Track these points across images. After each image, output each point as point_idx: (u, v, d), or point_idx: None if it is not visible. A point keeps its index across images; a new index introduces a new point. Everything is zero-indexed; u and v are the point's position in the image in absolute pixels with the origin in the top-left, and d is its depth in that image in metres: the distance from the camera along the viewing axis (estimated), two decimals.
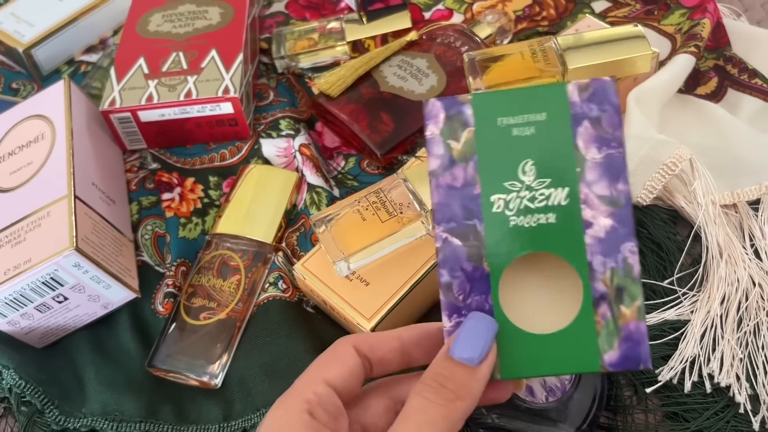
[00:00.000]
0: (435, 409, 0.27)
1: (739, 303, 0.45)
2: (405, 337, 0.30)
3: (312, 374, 0.29)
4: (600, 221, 0.28)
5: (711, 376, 0.43)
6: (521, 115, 0.29)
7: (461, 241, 0.29)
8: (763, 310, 0.45)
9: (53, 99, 0.54)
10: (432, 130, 0.30)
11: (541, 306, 0.29)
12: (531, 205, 0.29)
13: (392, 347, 0.30)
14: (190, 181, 0.57)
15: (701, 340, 0.44)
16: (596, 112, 0.29)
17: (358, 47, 0.64)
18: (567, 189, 0.28)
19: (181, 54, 0.58)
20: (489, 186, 0.29)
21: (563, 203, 0.28)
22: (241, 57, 0.57)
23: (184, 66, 0.57)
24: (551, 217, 0.28)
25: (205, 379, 0.46)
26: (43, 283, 0.45)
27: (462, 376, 0.27)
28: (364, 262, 0.45)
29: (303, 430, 0.27)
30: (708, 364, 0.43)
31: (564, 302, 0.29)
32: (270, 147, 0.58)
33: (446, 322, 0.29)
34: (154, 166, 0.58)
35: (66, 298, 0.47)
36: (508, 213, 0.29)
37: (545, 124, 0.29)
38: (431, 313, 0.48)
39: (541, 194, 0.28)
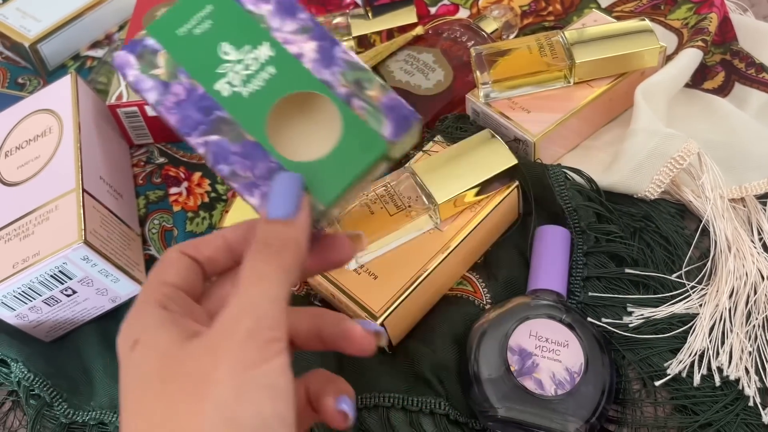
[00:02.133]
0: (265, 265, 0.28)
1: (748, 297, 0.45)
2: (229, 236, 0.31)
3: (151, 282, 0.30)
4: (306, 47, 0.31)
5: (720, 370, 0.43)
6: (192, 17, 0.32)
7: (218, 135, 0.30)
8: None
9: (61, 93, 0.54)
10: (132, 74, 0.32)
11: (312, 137, 0.31)
12: (249, 72, 0.31)
13: (217, 245, 0.31)
14: (197, 175, 0.57)
15: (710, 334, 0.44)
16: None
17: (364, 42, 0.64)
18: (266, 43, 0.31)
19: None
20: (207, 80, 0.31)
21: (271, 54, 0.31)
22: None
23: None
24: (271, 69, 0.31)
25: None
26: (51, 276, 0.45)
27: (283, 230, 0.28)
28: (372, 255, 0.45)
29: (161, 321, 0.27)
30: (717, 358, 0.43)
31: (327, 122, 0.31)
32: None
33: (252, 201, 0.30)
34: (161, 160, 0.58)
35: (74, 292, 0.47)
36: (237, 89, 0.31)
37: (215, 12, 0.32)
38: (439, 306, 0.48)
39: (250, 59, 0.31)
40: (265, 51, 0.31)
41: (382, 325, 0.44)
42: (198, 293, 0.31)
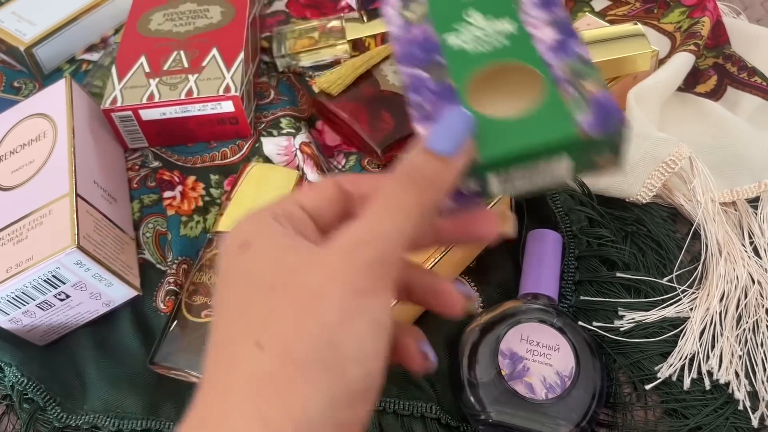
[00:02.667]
0: (407, 195, 0.26)
1: (738, 300, 0.46)
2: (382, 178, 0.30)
3: (285, 197, 0.29)
4: (547, 34, 0.31)
5: (710, 373, 0.43)
6: None
7: (426, 72, 0.31)
8: (762, 307, 0.45)
9: (55, 97, 0.54)
10: (390, 10, 0.34)
11: (509, 104, 0.30)
12: (484, 37, 0.32)
13: (376, 185, 0.29)
14: (191, 179, 0.57)
15: (700, 338, 0.44)
16: None
17: (358, 46, 0.64)
18: (511, 19, 0.32)
19: (182, 53, 0.59)
20: (444, 32, 0.32)
21: (511, 29, 0.31)
22: (242, 56, 0.58)
23: (185, 65, 0.58)
24: (504, 41, 0.31)
25: None
26: (44, 280, 0.45)
27: (436, 166, 0.27)
28: None
29: (276, 231, 0.27)
30: (707, 361, 0.44)
31: (530, 98, 0.30)
32: (271, 145, 0.58)
33: (422, 131, 0.29)
34: (156, 164, 0.58)
35: (68, 296, 0.47)
36: (465, 45, 0.32)
37: None
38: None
39: (490, 28, 0.32)
40: (506, 26, 0.32)
41: None
42: (328, 226, 0.29)
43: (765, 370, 0.43)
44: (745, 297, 0.46)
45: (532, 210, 0.50)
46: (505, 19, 0.32)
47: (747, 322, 0.45)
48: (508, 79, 0.31)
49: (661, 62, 0.56)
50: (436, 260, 0.46)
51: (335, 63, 0.63)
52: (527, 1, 0.33)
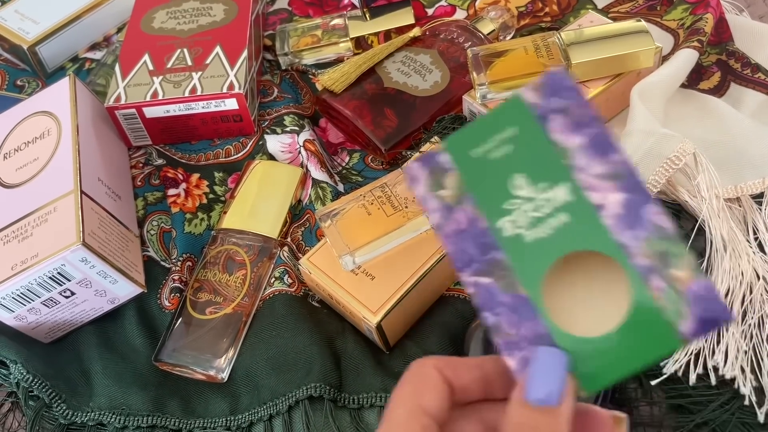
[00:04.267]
0: None
1: (744, 296, 0.46)
2: (488, 367, 0.29)
3: (408, 403, 0.27)
4: (611, 198, 0.27)
5: (716, 369, 0.43)
6: (491, 138, 0.29)
7: (490, 278, 0.28)
8: (767, 303, 0.45)
9: (59, 95, 0.54)
10: (420, 190, 0.29)
11: (592, 306, 0.28)
12: (538, 214, 0.28)
13: (476, 376, 0.29)
14: (195, 176, 0.57)
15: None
16: (559, 102, 0.28)
17: (361, 44, 0.64)
18: (565, 184, 0.27)
19: (185, 50, 0.59)
20: (492, 214, 0.28)
21: (568, 199, 0.27)
22: (245, 53, 0.58)
23: (189, 62, 0.58)
24: (563, 217, 0.27)
25: (212, 373, 0.46)
26: (50, 278, 0.45)
27: (545, 422, 0.25)
28: (369, 256, 0.46)
29: None
30: (713, 357, 0.43)
31: (614, 293, 0.27)
32: (275, 143, 0.58)
33: (510, 362, 0.27)
34: (160, 162, 0.58)
35: (73, 293, 0.47)
36: (520, 231, 0.28)
37: (517, 137, 0.28)
38: (436, 306, 0.48)
39: (543, 200, 0.28)
40: (561, 194, 0.27)
41: (379, 325, 0.44)
42: (443, 423, 0.28)
43: None
44: (750, 293, 0.46)
45: None
46: (557, 185, 0.27)
47: (752, 318, 0.45)
48: (581, 267, 0.28)
49: (664, 59, 0.56)
50: (441, 257, 0.46)
51: (338, 60, 0.63)
52: (578, 151, 0.27)
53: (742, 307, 0.45)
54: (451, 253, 0.28)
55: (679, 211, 0.51)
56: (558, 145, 0.28)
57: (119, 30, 0.70)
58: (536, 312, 0.27)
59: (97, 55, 0.68)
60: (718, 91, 0.57)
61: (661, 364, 0.44)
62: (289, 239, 0.53)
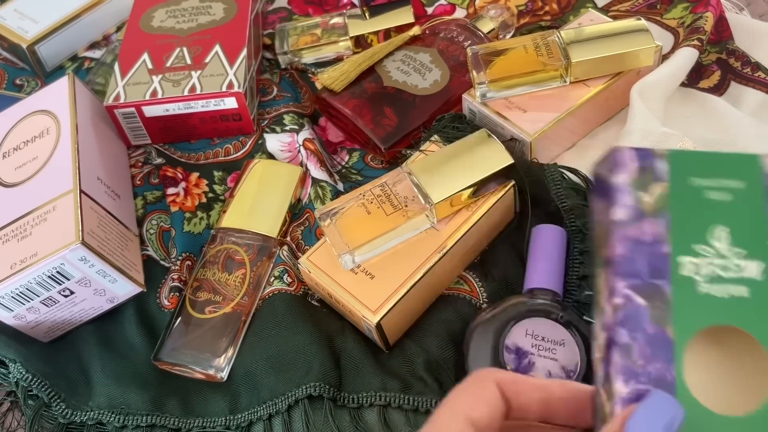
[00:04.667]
0: None
1: None
2: (554, 391, 0.28)
3: (457, 411, 0.27)
4: None
5: None
6: (716, 178, 0.28)
7: (645, 301, 0.26)
8: None
9: (58, 94, 0.54)
10: (623, 178, 0.28)
11: (726, 383, 0.27)
12: (723, 275, 0.27)
13: (537, 397, 0.28)
14: (194, 175, 0.57)
15: None
16: None
17: (361, 42, 0.64)
18: (762, 263, 0.27)
19: (185, 49, 0.58)
20: (679, 247, 0.27)
21: (758, 278, 0.26)
22: (244, 52, 0.58)
23: (188, 61, 0.58)
24: (744, 291, 0.26)
25: (211, 372, 0.46)
26: (49, 277, 0.45)
27: None
28: (369, 255, 0.46)
29: None
30: None
31: (753, 380, 0.27)
32: (274, 142, 0.58)
33: (621, 388, 0.26)
34: (159, 161, 0.58)
35: (72, 292, 0.47)
36: (697, 278, 0.27)
37: (741, 193, 0.28)
38: (436, 306, 0.48)
39: (735, 265, 0.27)
40: (754, 269, 0.27)
41: (378, 324, 0.44)
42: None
43: None
44: None
45: (537, 206, 0.50)
46: (754, 258, 0.27)
47: None
48: (734, 343, 0.27)
49: (664, 58, 0.56)
50: (441, 256, 0.46)
51: (338, 59, 0.63)
52: None
53: None
54: (619, 255, 0.27)
55: None
56: None
57: (118, 29, 0.70)
58: (673, 358, 0.26)
59: (96, 54, 0.68)
60: (718, 89, 0.57)
61: None
62: (288, 238, 0.53)
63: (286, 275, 0.50)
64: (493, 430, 0.27)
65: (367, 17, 0.64)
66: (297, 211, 0.54)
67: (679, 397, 0.25)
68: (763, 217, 0.27)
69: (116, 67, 0.58)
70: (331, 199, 0.53)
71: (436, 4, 0.67)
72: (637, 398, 0.25)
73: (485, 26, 0.61)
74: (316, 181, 0.54)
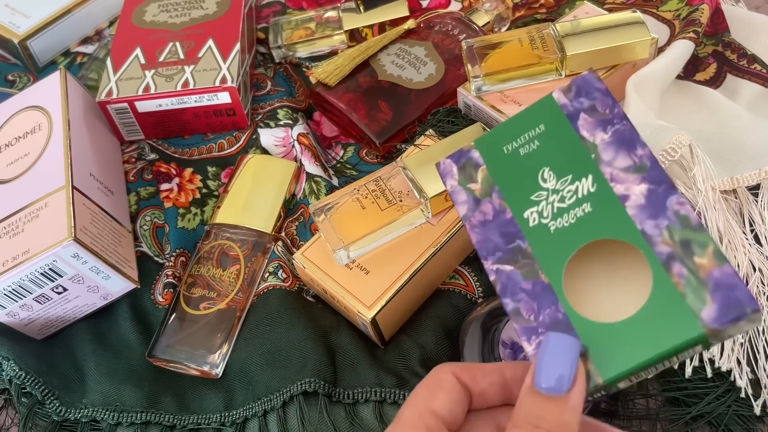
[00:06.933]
0: None
1: None
2: (507, 372, 0.29)
3: (419, 405, 0.28)
4: (634, 189, 0.28)
5: (712, 361, 0.43)
6: (522, 135, 0.30)
7: (512, 266, 0.29)
8: (764, 294, 0.45)
9: (49, 90, 0.53)
10: (451, 183, 0.31)
11: (613, 293, 0.28)
12: (563, 205, 0.29)
13: (493, 381, 0.29)
14: (188, 171, 0.56)
15: None
16: (587, 102, 0.30)
17: (355, 36, 0.63)
18: (590, 176, 0.28)
19: (177, 44, 0.58)
20: (518, 206, 0.29)
21: (592, 190, 0.28)
22: (238, 46, 0.57)
23: (181, 56, 0.57)
24: (587, 207, 0.28)
25: (206, 368, 0.46)
26: (41, 274, 0.45)
27: (554, 411, 0.25)
28: (364, 250, 0.45)
29: None
30: (708, 349, 0.43)
31: (635, 281, 0.27)
32: (268, 137, 0.57)
33: (527, 347, 0.28)
34: (152, 156, 0.58)
35: (65, 289, 0.46)
36: (545, 221, 0.29)
37: (546, 134, 0.30)
38: (431, 300, 0.48)
39: (568, 191, 0.29)
40: (586, 185, 0.28)
41: (373, 319, 0.44)
42: (456, 427, 0.28)
43: (767, 357, 0.43)
44: (746, 285, 0.45)
45: None
46: (583, 177, 0.28)
47: None
48: (603, 255, 0.28)
49: (660, 50, 0.55)
50: (436, 250, 0.45)
51: (332, 53, 0.63)
52: (604, 146, 0.28)
53: None
54: (476, 242, 0.30)
55: None
56: (585, 140, 0.29)
57: (111, 24, 0.69)
58: (556, 298, 0.27)
59: (89, 49, 0.68)
60: (714, 82, 0.57)
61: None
62: (283, 234, 0.52)
63: (280, 271, 0.50)
64: (457, 419, 0.28)
65: (362, 11, 0.63)
66: (291, 206, 0.54)
67: (576, 327, 0.27)
68: (576, 139, 0.29)
69: (108, 62, 0.58)
70: (326, 194, 0.53)
71: None
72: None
73: (480, 19, 0.60)
74: (310, 176, 0.54)
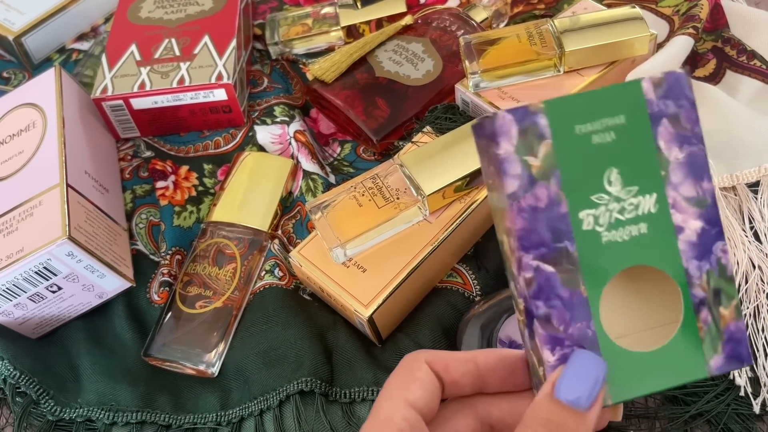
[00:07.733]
0: None
1: (739, 286, 0.45)
2: (481, 361, 0.29)
3: (395, 397, 0.28)
4: (690, 224, 0.27)
5: None
6: (599, 120, 0.27)
7: (554, 267, 0.26)
8: (763, 292, 0.45)
9: (44, 87, 0.53)
10: (506, 147, 0.26)
11: (640, 321, 0.28)
12: (621, 217, 0.27)
13: (467, 370, 0.29)
14: (184, 169, 0.56)
15: None
16: (673, 108, 0.27)
17: (352, 32, 0.63)
18: (654, 195, 0.27)
19: (173, 40, 0.58)
20: (576, 202, 0.27)
21: (653, 211, 0.27)
22: (234, 43, 0.57)
23: (177, 52, 0.57)
24: (643, 228, 0.27)
25: (202, 367, 0.45)
26: (36, 272, 0.44)
27: (573, 422, 0.25)
28: (360, 248, 0.45)
29: None
30: None
31: (663, 313, 0.28)
32: (265, 134, 0.57)
33: (549, 357, 0.27)
34: (148, 154, 0.57)
35: (60, 288, 0.46)
36: (599, 229, 0.27)
37: (625, 128, 0.27)
38: (429, 299, 0.48)
39: (630, 204, 0.27)
40: (649, 203, 0.27)
41: (370, 318, 0.43)
42: (431, 418, 0.28)
43: (766, 355, 0.43)
44: (746, 282, 0.45)
45: None
46: (648, 194, 0.27)
47: (748, 308, 0.44)
48: (641, 282, 0.28)
49: (659, 46, 0.55)
50: (434, 248, 0.45)
51: (329, 50, 0.62)
52: (676, 165, 0.27)
53: (737, 296, 0.45)
54: (519, 229, 0.26)
55: None
56: (660, 152, 0.27)
57: (106, 20, 0.68)
58: (590, 314, 0.27)
59: (84, 45, 0.67)
60: (714, 78, 0.57)
61: None
62: (279, 232, 0.52)
63: (277, 269, 0.50)
64: (432, 410, 0.28)
65: (359, 7, 0.63)
66: (288, 204, 0.53)
67: (602, 348, 0.27)
68: (650, 146, 0.27)
69: (103, 59, 0.57)
70: (323, 192, 0.52)
71: None
72: (564, 361, 0.26)
73: (478, 15, 0.60)
74: (307, 174, 0.54)
